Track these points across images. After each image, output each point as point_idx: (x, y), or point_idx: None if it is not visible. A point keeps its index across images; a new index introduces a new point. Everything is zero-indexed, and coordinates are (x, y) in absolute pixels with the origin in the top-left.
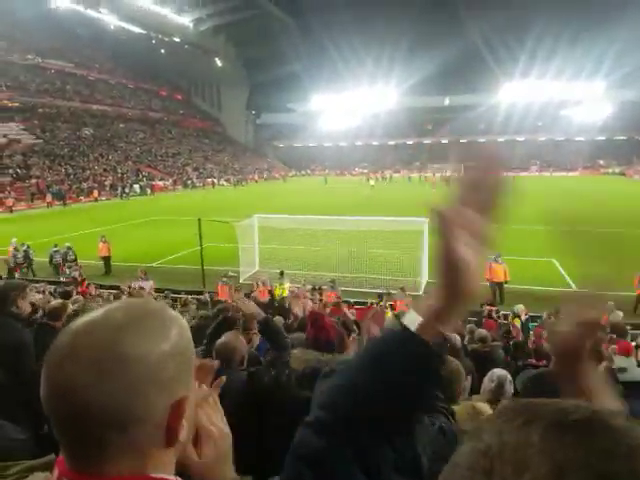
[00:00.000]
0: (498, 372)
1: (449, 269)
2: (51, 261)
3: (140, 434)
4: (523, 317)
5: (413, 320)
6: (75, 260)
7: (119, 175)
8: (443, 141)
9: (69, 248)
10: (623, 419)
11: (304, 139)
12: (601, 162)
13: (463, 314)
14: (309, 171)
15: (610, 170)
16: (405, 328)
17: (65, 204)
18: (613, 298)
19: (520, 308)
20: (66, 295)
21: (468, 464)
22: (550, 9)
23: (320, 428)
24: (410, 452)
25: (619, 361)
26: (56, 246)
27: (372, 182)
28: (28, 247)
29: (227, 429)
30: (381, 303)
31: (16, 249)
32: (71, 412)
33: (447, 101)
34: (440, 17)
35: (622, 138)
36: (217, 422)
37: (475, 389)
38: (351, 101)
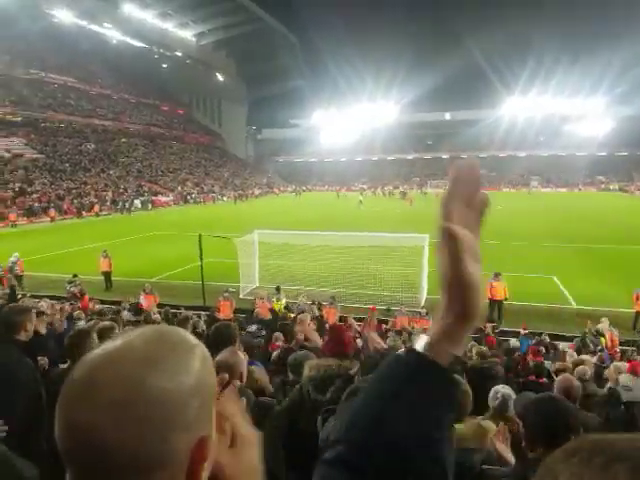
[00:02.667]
0: (502, 390)
1: (462, 288)
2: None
3: (160, 478)
4: (522, 332)
5: (422, 343)
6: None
7: (120, 190)
8: (443, 156)
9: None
10: None
11: (304, 154)
12: (601, 178)
13: (470, 333)
14: (309, 186)
15: (611, 186)
16: (416, 352)
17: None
18: (610, 314)
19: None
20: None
21: None
22: (551, 26)
23: (341, 464)
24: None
25: (625, 379)
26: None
27: (361, 198)
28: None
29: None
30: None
31: None
32: (87, 454)
33: (447, 116)
34: (440, 33)
35: (623, 154)
36: (249, 428)
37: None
38: (351, 117)
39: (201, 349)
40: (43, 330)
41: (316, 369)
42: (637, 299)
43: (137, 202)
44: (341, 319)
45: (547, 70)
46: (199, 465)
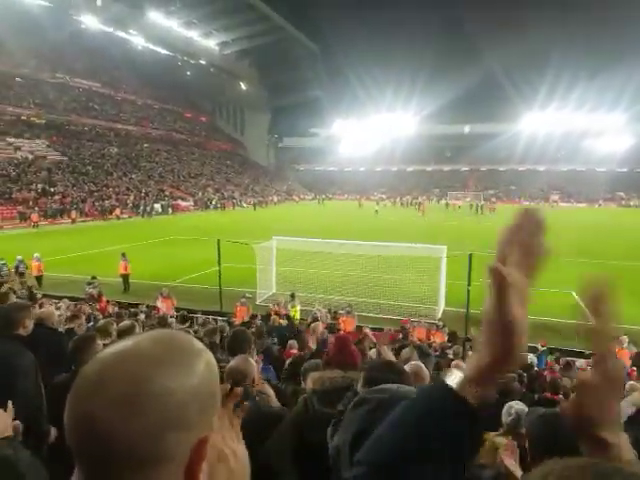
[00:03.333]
0: (516, 406)
1: (503, 330)
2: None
3: (159, 475)
4: (540, 348)
5: (456, 380)
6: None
7: (142, 194)
8: (462, 169)
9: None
10: None
11: (325, 163)
12: (621, 194)
13: (503, 375)
14: (329, 195)
15: (631, 203)
16: (449, 388)
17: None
18: (627, 332)
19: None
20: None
21: None
22: (570, 41)
23: None
24: None
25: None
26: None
27: (377, 208)
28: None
29: (243, 450)
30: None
31: None
32: (91, 446)
33: (467, 129)
34: (460, 47)
35: None
36: (231, 443)
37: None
38: (371, 127)
39: (207, 355)
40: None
41: (320, 381)
42: None
43: (158, 206)
44: (357, 329)
45: (566, 85)
46: (198, 464)
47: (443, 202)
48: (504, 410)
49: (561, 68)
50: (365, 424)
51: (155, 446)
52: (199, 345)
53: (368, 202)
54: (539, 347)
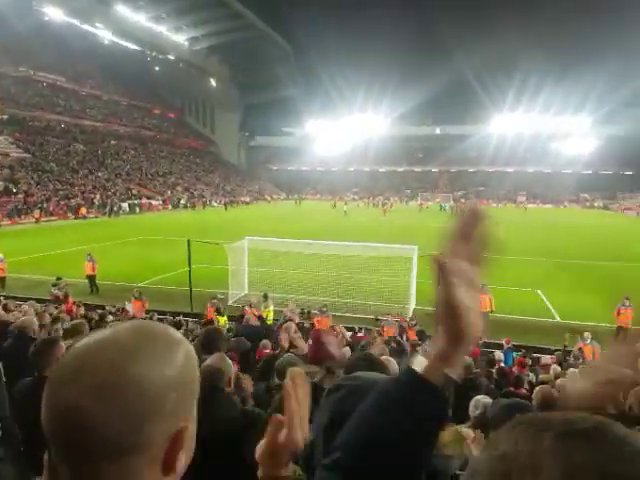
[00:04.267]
0: (483, 399)
1: (451, 314)
2: None
3: (137, 463)
4: (505, 346)
5: (421, 364)
6: None
7: (108, 193)
8: (433, 170)
9: None
10: (624, 428)
11: (297, 163)
12: (586, 196)
13: (465, 356)
14: (303, 195)
15: (595, 204)
16: (412, 371)
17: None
18: (590, 329)
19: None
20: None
21: (487, 470)
22: (538, 42)
23: (336, 468)
24: None
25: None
26: None
27: (345, 208)
28: None
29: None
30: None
31: None
32: (68, 435)
33: (438, 131)
34: (430, 49)
35: (607, 172)
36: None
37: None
38: (344, 128)
39: (186, 346)
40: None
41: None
42: (618, 314)
43: (125, 205)
44: (331, 328)
45: (534, 88)
46: (175, 453)
47: (413, 203)
48: (471, 404)
49: (529, 71)
50: (338, 409)
51: (133, 434)
52: (178, 335)
53: (341, 203)
54: (504, 344)
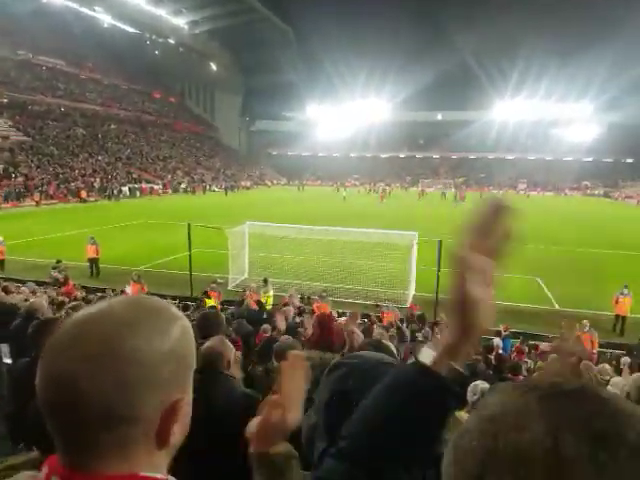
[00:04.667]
0: (481, 385)
1: (464, 307)
2: None
3: (131, 433)
4: (503, 333)
5: (428, 355)
6: None
7: (109, 177)
8: (434, 156)
9: None
10: (609, 391)
11: (298, 148)
12: (587, 183)
13: (474, 349)
14: (304, 181)
15: (596, 192)
16: (419, 363)
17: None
18: (590, 317)
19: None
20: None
21: (476, 430)
22: (540, 27)
23: (342, 457)
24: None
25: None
26: None
27: (344, 194)
28: None
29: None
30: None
31: None
32: (63, 403)
33: (439, 116)
34: (433, 34)
35: (608, 160)
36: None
37: None
38: (345, 113)
39: (183, 321)
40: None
41: None
42: (616, 302)
43: (125, 189)
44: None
45: (536, 74)
46: (169, 425)
47: (415, 189)
48: (469, 389)
49: (531, 57)
50: (339, 387)
51: (127, 404)
52: (175, 311)
53: (348, 189)
54: (502, 331)
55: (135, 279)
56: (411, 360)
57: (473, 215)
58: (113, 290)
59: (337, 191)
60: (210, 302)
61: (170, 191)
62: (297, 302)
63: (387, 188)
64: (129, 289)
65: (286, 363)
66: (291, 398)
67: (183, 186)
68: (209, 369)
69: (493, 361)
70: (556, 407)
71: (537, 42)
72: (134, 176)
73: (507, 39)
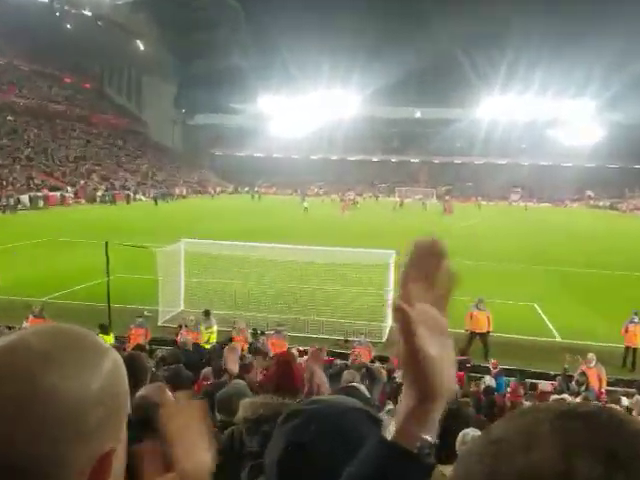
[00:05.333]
0: (472, 433)
1: (418, 366)
2: None
3: None
4: (492, 370)
5: (393, 430)
6: None
7: (3, 183)
8: (412, 160)
9: None
10: (623, 412)
11: (249, 148)
12: (590, 193)
13: (440, 413)
14: (256, 188)
15: (600, 203)
16: (386, 442)
17: None
18: (597, 350)
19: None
20: None
21: (477, 452)
22: (535, 14)
23: None
24: None
25: None
26: None
27: (306, 204)
28: None
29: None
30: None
31: None
32: None
33: (418, 114)
34: (411, 15)
35: (614, 166)
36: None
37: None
38: (306, 106)
39: (113, 354)
40: None
41: (252, 408)
42: (626, 332)
43: (25, 198)
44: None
45: (529, 66)
46: (101, 478)
47: (391, 199)
48: (458, 439)
49: (523, 46)
50: (296, 439)
51: (44, 456)
52: (102, 343)
53: (309, 198)
54: (491, 368)
55: (36, 313)
56: (375, 439)
57: (407, 261)
58: (9, 327)
59: (302, 201)
60: (108, 339)
61: (84, 200)
62: (249, 336)
63: (357, 198)
64: (27, 326)
65: (166, 409)
66: (179, 444)
67: (100, 194)
68: (141, 422)
69: (485, 404)
70: (570, 427)
71: (531, 28)
72: (36, 182)
73: (496, 24)
